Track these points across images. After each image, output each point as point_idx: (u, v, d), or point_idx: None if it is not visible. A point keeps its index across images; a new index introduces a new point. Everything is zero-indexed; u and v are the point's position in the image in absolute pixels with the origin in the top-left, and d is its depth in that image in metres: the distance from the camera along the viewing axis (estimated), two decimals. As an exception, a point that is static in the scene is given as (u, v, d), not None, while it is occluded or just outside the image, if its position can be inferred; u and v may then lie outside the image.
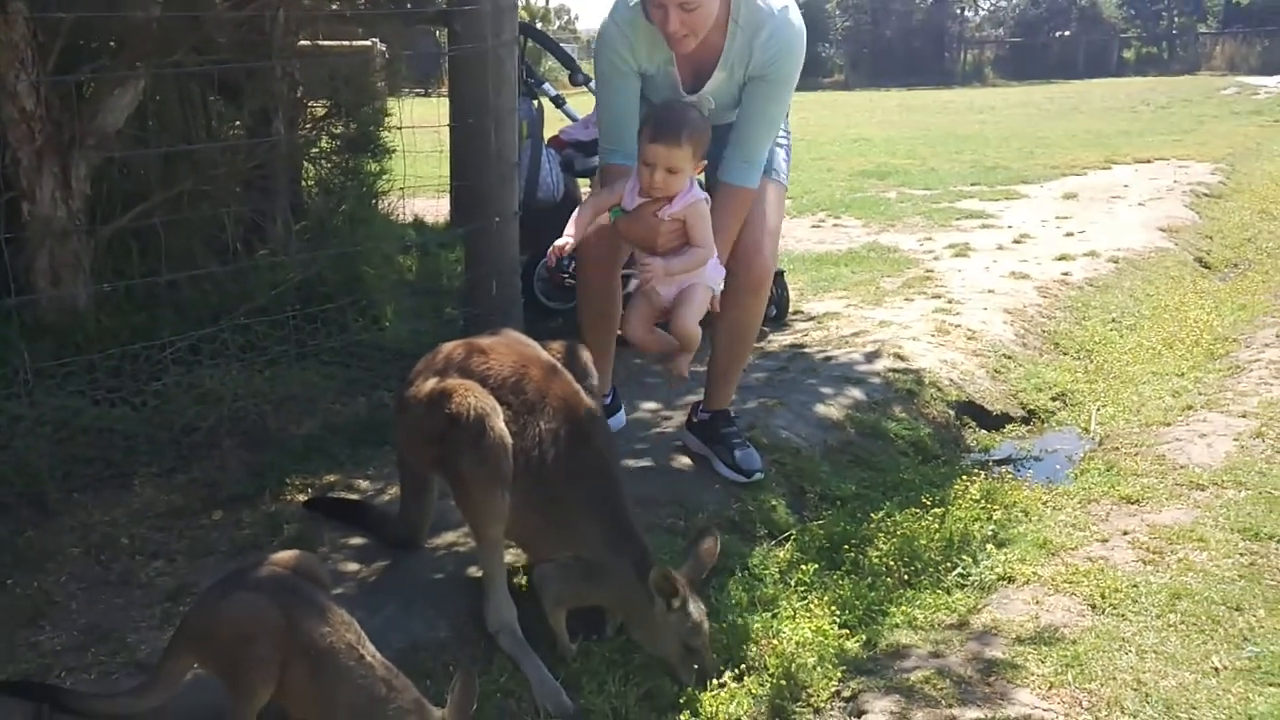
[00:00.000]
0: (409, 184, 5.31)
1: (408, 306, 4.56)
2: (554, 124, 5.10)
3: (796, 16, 2.99)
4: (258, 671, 1.99)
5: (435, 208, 6.07)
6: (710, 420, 3.36)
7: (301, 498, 3.13)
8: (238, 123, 4.82)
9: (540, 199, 4.80)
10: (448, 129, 5.56)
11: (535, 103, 4.81)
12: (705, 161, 2.87)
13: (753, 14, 2.93)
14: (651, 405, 3.92)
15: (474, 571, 2.68)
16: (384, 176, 5.70)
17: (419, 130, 4.99)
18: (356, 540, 2.90)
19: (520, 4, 4.12)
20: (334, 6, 5.23)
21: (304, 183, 5.35)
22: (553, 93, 4.96)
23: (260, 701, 2.01)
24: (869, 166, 10.70)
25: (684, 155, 2.72)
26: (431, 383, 2.52)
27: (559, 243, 2.80)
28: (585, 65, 4.94)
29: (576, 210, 2.90)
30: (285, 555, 2.20)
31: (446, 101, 5.30)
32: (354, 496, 3.15)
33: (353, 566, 2.76)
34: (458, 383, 2.48)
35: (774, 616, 2.68)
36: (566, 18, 31.87)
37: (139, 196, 3.94)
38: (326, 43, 5.59)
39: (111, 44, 4.12)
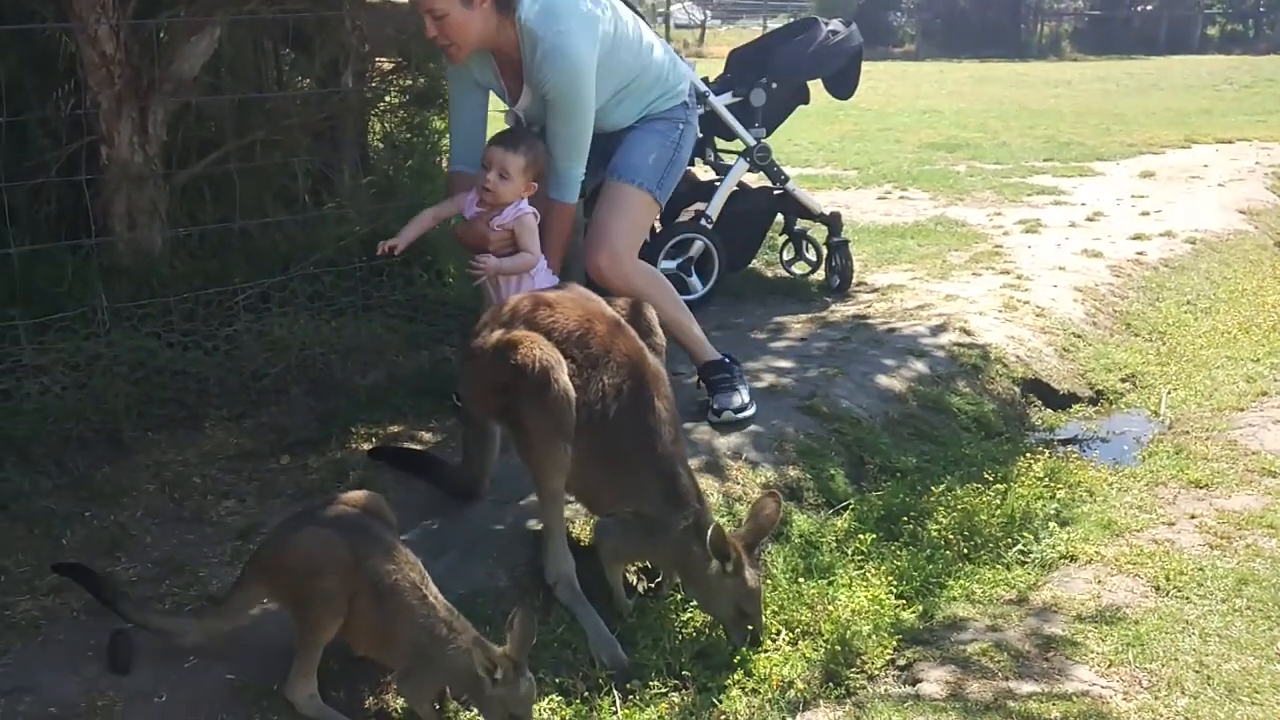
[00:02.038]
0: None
1: (469, 262, 4.57)
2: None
3: (573, 38, 2.89)
4: (325, 604, 2.04)
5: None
6: (700, 375, 3.43)
7: (366, 446, 3.18)
8: (307, 79, 4.88)
9: (607, 160, 4.78)
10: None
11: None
12: (535, 185, 2.97)
13: (530, 34, 2.91)
14: (712, 369, 3.90)
15: (534, 524, 2.71)
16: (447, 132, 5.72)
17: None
18: (419, 489, 2.94)
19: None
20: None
21: (370, 137, 5.40)
22: (622, 52, 4.91)
23: (327, 635, 2.06)
24: (938, 139, 10.49)
25: (517, 162, 2.91)
26: (498, 334, 2.54)
27: (388, 242, 3.07)
28: (657, 28, 4.88)
29: (417, 216, 3.16)
30: (355, 495, 2.25)
31: None
32: (417, 447, 3.19)
33: (415, 515, 2.80)
34: (524, 334, 2.49)
35: (830, 584, 2.67)
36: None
37: (212, 144, 4.00)
38: (395, -1, 5.61)
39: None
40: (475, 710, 2.12)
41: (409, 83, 5.06)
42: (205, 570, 2.49)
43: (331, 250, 4.06)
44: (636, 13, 4.76)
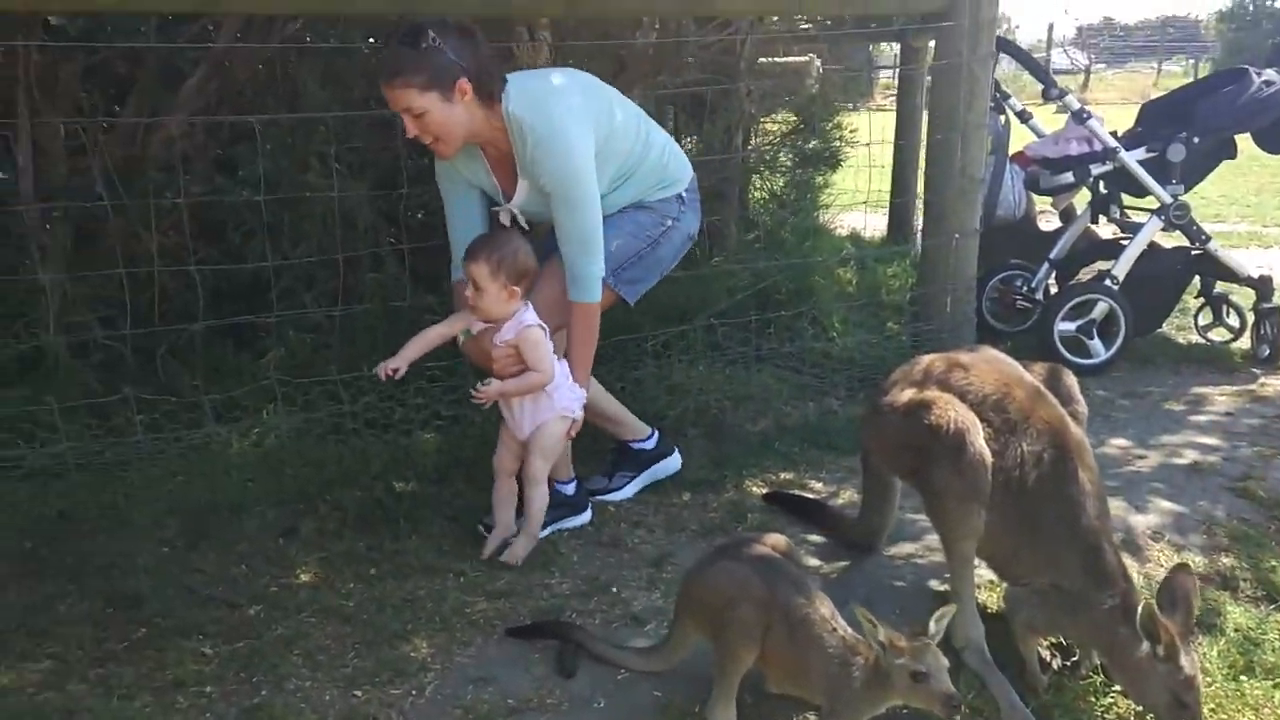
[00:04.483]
0: (847, 198, 5.42)
1: (851, 319, 4.64)
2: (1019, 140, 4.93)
3: (566, 124, 2.72)
4: (741, 633, 2.15)
5: (866, 222, 6.11)
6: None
7: (758, 489, 3.32)
8: (699, 140, 5.22)
9: (1000, 216, 4.67)
10: (890, 144, 5.59)
11: (1002, 118, 4.68)
12: (517, 289, 2.74)
13: (519, 124, 2.72)
14: (1122, 441, 3.67)
15: (935, 584, 2.68)
16: (825, 190, 5.86)
17: (854, 144, 5.08)
18: (814, 537, 3.01)
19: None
20: (804, 27, 5.45)
21: (752, 194, 5.66)
22: (1019, 107, 4.79)
23: (744, 663, 2.16)
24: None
25: (480, 271, 2.71)
26: (909, 393, 2.55)
27: (389, 364, 2.79)
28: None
29: (420, 333, 2.88)
30: (766, 535, 2.36)
31: (877, 115, 5.34)
32: (810, 495, 3.27)
33: (813, 561, 2.87)
34: (938, 395, 2.48)
35: (1276, 686, 2.39)
36: (1006, 26, 30.47)
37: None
38: (776, 59, 5.86)
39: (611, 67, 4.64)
40: None
41: (801, 143, 5.26)
42: (626, 592, 2.71)
43: (725, 303, 4.31)
44: (1017, 55, 4.64)
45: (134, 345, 3.55)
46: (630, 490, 3.32)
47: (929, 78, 4.72)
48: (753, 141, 5.53)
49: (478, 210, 2.98)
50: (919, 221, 4.89)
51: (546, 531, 3.02)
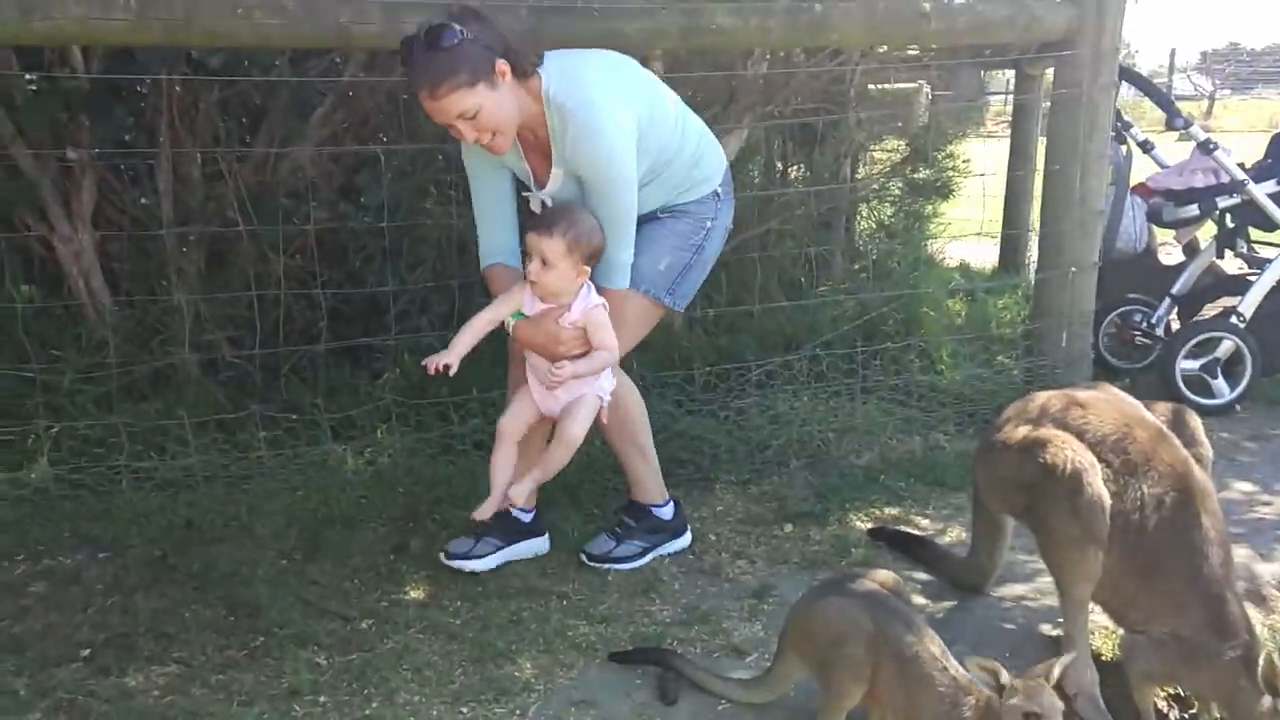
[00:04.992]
0: (955, 228, 5.33)
1: (960, 351, 4.56)
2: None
3: (608, 111, 2.58)
4: (849, 671, 2.13)
5: (975, 252, 5.99)
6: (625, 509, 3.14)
7: (862, 524, 3.27)
8: (806, 169, 5.22)
9: (1120, 249, 4.55)
10: (1003, 174, 5.50)
11: (1124, 148, 4.55)
12: (587, 268, 2.62)
13: (559, 109, 2.58)
14: (1247, 486, 3.52)
15: (1047, 628, 2.60)
16: (935, 220, 5.79)
17: (967, 174, 4.99)
18: (920, 575, 2.96)
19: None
20: (915, 54, 5.40)
21: (859, 223, 5.62)
22: (1141, 137, 4.65)
23: (850, 701, 2.14)
24: None
25: (555, 247, 2.56)
26: (1024, 430, 2.50)
27: (438, 359, 2.61)
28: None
29: (468, 323, 2.69)
30: (874, 571, 2.33)
31: (987, 142, 5.26)
32: (916, 532, 3.21)
33: (919, 600, 2.81)
34: (1054, 434, 2.43)
35: None
36: (1126, 51, 29.47)
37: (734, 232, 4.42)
38: (885, 86, 5.83)
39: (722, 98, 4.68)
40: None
41: (914, 172, 5.21)
42: (728, 623, 2.70)
43: (830, 334, 4.29)
44: (1139, 83, 4.49)
45: (260, 364, 3.72)
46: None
47: (1045, 104, 4.63)
48: (861, 170, 5.50)
49: (508, 193, 2.85)
50: (1032, 253, 4.79)
51: (648, 559, 3.04)
